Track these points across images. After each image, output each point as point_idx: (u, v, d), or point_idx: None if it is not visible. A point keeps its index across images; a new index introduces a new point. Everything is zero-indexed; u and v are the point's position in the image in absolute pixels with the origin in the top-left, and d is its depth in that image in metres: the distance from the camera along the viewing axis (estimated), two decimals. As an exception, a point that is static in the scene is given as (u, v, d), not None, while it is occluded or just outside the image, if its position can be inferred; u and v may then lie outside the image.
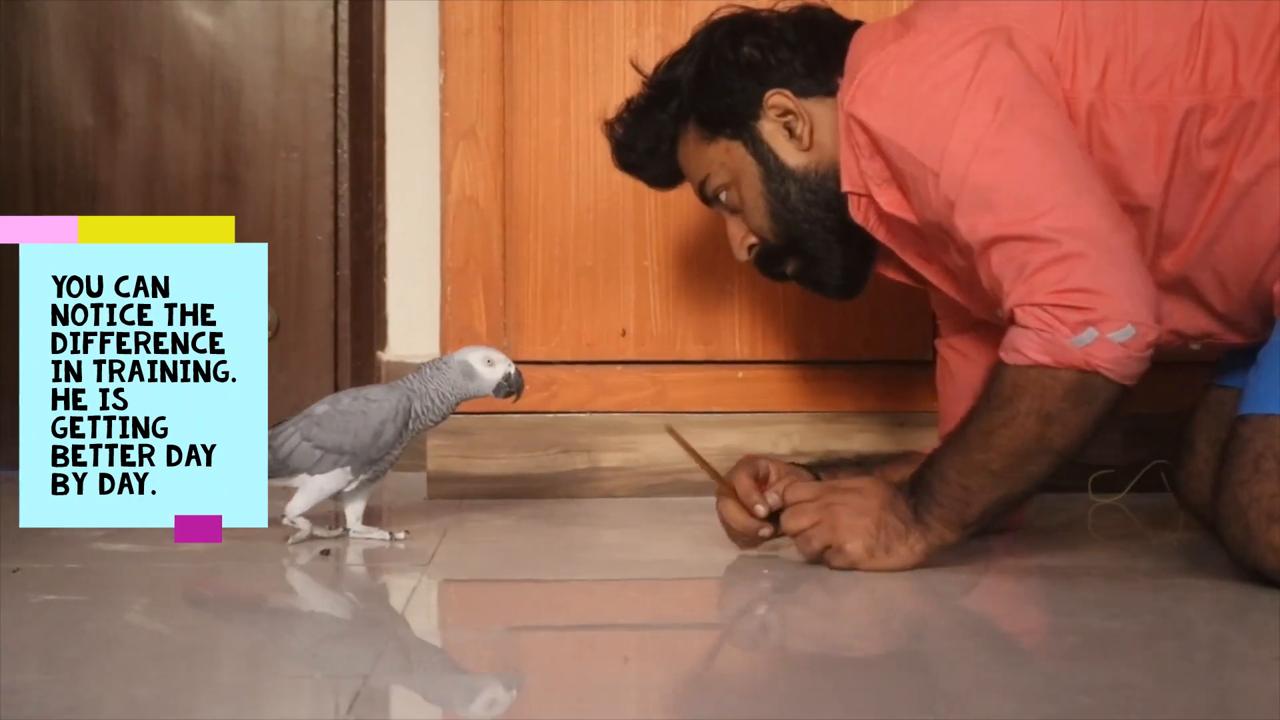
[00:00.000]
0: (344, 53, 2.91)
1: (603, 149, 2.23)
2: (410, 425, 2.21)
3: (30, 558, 2.10)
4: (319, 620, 1.93)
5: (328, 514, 2.33)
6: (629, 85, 2.58)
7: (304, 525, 2.21)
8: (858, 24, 2.18)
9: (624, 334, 2.64)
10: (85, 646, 1.73)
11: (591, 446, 2.63)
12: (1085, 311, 1.87)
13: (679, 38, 2.57)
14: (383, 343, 2.78)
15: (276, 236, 2.92)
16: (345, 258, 2.93)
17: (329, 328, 2.94)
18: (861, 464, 2.25)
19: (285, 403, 2.89)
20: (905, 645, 1.80)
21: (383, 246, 2.80)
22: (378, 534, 2.25)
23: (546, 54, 2.62)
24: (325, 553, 2.18)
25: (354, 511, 2.25)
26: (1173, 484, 2.23)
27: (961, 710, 1.55)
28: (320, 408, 2.21)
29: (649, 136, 2.22)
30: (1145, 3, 2.01)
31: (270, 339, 2.91)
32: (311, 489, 2.20)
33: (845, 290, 2.21)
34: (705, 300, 2.60)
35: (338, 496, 2.23)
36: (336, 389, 2.92)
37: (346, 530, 2.25)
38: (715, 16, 2.21)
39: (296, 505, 2.20)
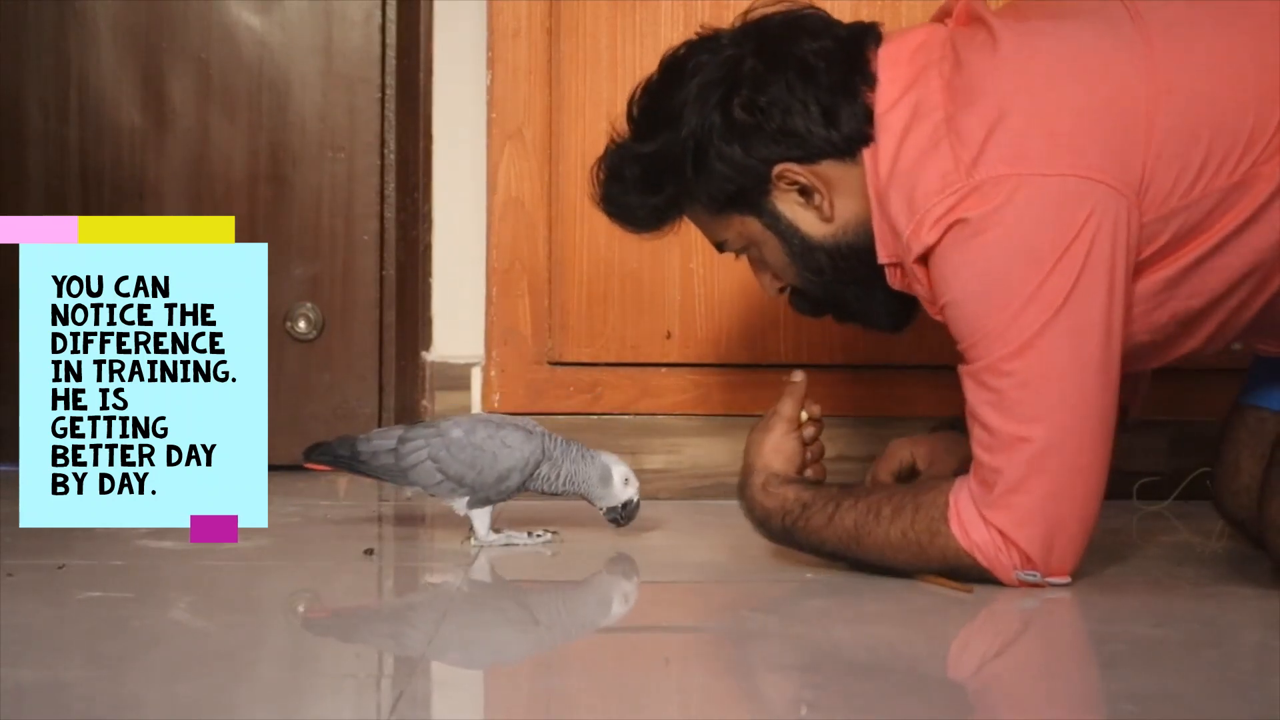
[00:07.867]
0: (391, 53, 2.92)
1: (649, 151, 2.22)
2: (531, 480, 2.21)
3: (75, 554, 2.11)
4: (362, 620, 1.93)
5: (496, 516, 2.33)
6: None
7: (495, 538, 2.22)
8: (858, 38, 1.98)
9: (669, 336, 2.63)
10: (129, 643, 1.73)
11: (635, 449, 2.63)
12: (1039, 562, 1.91)
13: (726, 40, 2.58)
14: (427, 343, 2.78)
15: (322, 236, 2.93)
16: (391, 258, 2.93)
17: (374, 328, 2.94)
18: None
19: (329, 403, 2.91)
20: (948, 652, 1.80)
21: (428, 247, 2.80)
22: (519, 537, 2.25)
23: (594, 55, 2.62)
24: (369, 552, 2.18)
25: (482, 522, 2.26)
26: (1215, 499, 2.21)
27: (1006, 717, 1.54)
28: (455, 431, 2.20)
29: (649, 214, 2.07)
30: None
31: (314, 339, 2.92)
32: (480, 512, 2.21)
33: (895, 328, 2.11)
34: (750, 303, 2.60)
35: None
36: (381, 390, 2.93)
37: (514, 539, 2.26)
38: (688, 49, 2.02)
39: (481, 529, 2.21)
